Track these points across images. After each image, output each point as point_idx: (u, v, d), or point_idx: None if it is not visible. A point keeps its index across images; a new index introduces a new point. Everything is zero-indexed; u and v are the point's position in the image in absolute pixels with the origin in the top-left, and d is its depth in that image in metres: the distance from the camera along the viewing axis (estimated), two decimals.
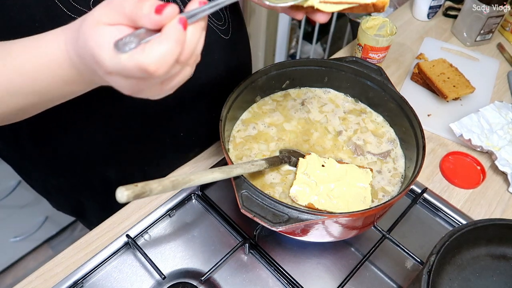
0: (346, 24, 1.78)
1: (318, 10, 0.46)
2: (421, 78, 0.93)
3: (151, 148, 0.71)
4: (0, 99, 0.40)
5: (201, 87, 0.67)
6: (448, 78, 0.89)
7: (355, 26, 1.56)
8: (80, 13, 0.48)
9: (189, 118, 0.70)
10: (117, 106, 0.60)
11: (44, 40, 0.38)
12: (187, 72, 0.37)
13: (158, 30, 0.33)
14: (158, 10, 0.32)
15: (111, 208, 0.69)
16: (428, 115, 0.87)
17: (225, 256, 0.61)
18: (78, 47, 0.35)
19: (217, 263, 0.60)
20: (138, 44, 0.32)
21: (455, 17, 1.12)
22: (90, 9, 0.43)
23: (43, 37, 0.38)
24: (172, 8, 0.32)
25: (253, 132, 0.67)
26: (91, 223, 0.93)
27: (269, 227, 0.47)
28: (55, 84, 0.39)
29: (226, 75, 0.70)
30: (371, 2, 0.47)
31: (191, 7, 0.34)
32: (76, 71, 0.38)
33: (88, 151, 0.68)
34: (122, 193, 0.37)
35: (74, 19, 0.38)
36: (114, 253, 0.62)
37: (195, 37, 0.35)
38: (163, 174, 0.73)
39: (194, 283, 0.59)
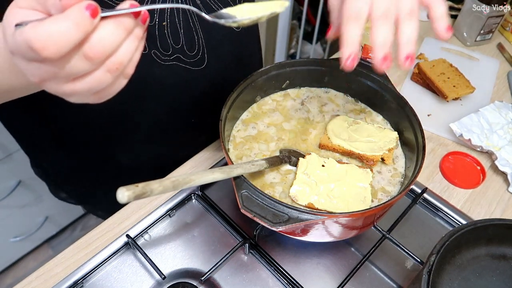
0: None
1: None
2: (421, 78, 0.93)
3: (160, 130, 0.73)
4: None
5: (211, 78, 0.69)
6: (448, 78, 0.89)
7: None
8: None
9: (199, 108, 0.72)
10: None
11: None
12: (105, 78, 0.33)
13: None
14: None
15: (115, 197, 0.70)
16: (428, 115, 0.87)
17: (225, 256, 0.61)
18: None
19: (217, 263, 0.60)
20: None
21: (455, 17, 1.12)
22: None
23: None
24: None
25: (253, 132, 0.67)
26: (97, 209, 0.94)
27: (269, 227, 0.47)
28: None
29: (235, 67, 0.72)
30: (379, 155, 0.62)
31: (120, 6, 0.32)
32: (7, 55, 0.36)
33: (95, 131, 0.69)
34: (122, 194, 0.37)
35: None
36: (114, 253, 0.62)
37: (113, 35, 0.32)
38: (171, 156, 0.76)
39: (194, 283, 0.60)
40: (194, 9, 0.39)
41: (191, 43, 0.63)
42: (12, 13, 0.31)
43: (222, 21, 0.39)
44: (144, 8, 0.33)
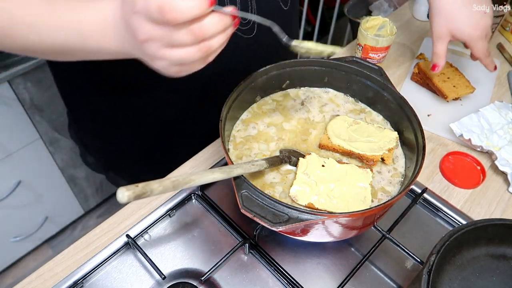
0: (346, 24, 1.78)
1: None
2: (421, 78, 0.93)
3: (201, 95, 0.76)
4: (47, 30, 0.47)
5: (257, 48, 0.74)
6: (448, 78, 0.89)
7: (355, 26, 1.56)
8: None
9: (240, 75, 0.74)
10: None
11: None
12: (194, 54, 0.42)
13: None
14: None
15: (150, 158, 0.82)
16: (428, 115, 0.87)
17: (225, 256, 0.61)
18: None
19: (217, 263, 0.60)
20: None
21: None
22: None
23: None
24: None
25: (253, 132, 0.67)
26: (120, 178, 0.97)
27: (269, 227, 0.47)
28: (94, 31, 0.47)
29: (279, 41, 0.77)
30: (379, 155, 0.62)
31: (225, 8, 0.42)
32: (113, 21, 0.45)
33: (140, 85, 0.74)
34: (122, 194, 0.37)
35: None
36: (114, 253, 0.62)
37: (215, 25, 0.41)
38: (204, 126, 0.80)
39: (194, 283, 0.60)
40: (276, 29, 0.49)
41: (245, 10, 0.68)
42: None
43: (292, 42, 0.51)
44: (235, 14, 0.43)
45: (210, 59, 0.45)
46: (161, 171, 0.76)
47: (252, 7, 0.68)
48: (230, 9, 0.42)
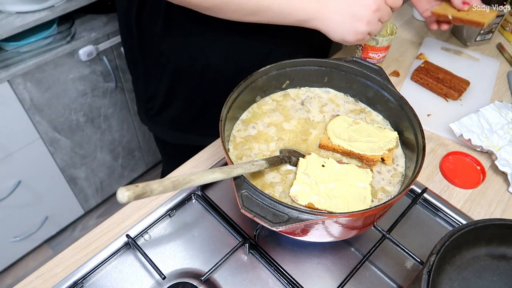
0: None
1: None
2: (421, 78, 0.93)
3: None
4: None
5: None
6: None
7: None
8: None
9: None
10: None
11: None
12: (379, 26, 0.70)
13: None
14: None
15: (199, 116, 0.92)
16: (428, 115, 0.87)
17: (225, 256, 0.61)
18: None
19: (217, 263, 0.60)
20: None
21: None
22: None
23: None
24: None
25: (253, 132, 0.67)
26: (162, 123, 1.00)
27: (269, 227, 0.47)
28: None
29: None
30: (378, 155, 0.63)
31: None
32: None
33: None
34: (122, 194, 0.37)
35: None
36: (114, 253, 0.62)
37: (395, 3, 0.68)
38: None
39: (194, 283, 0.60)
40: None
41: None
42: None
43: None
44: None
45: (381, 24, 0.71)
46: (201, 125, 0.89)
47: None
48: None
